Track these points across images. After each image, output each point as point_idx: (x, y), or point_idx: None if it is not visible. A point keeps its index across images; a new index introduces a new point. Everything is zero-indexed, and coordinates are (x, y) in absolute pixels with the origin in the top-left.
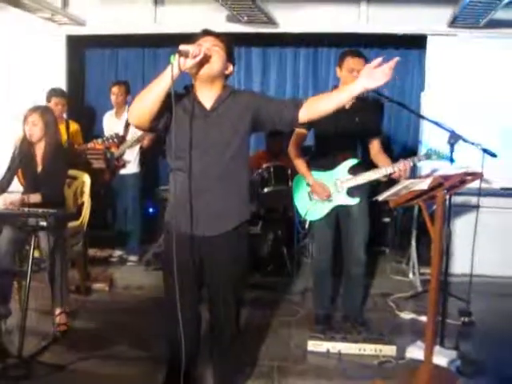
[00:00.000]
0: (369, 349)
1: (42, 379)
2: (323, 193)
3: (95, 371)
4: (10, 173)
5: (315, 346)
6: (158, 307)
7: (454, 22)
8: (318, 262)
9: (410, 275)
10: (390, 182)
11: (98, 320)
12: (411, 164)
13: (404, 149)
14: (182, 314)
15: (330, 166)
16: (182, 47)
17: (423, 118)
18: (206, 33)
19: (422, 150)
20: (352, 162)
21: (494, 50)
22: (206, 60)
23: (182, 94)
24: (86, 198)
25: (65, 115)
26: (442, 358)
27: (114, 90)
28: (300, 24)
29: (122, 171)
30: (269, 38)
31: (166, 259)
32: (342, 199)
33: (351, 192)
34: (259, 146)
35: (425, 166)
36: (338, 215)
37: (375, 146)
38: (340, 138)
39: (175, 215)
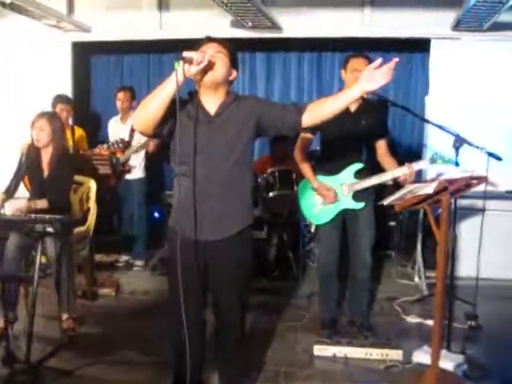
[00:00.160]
0: (375, 353)
1: None
2: (329, 197)
3: (102, 376)
4: (17, 179)
5: (321, 350)
6: (164, 312)
7: (457, 26)
8: (323, 266)
9: (416, 279)
10: (396, 185)
11: (104, 325)
12: (417, 168)
13: (409, 152)
14: (187, 318)
15: (335, 170)
16: (186, 54)
17: (428, 121)
18: (210, 39)
19: (427, 154)
20: (357, 166)
21: (498, 52)
22: (209, 67)
23: (186, 99)
24: (92, 204)
25: (70, 121)
26: (448, 362)
27: (120, 95)
28: (304, 29)
29: (128, 176)
30: (273, 43)
31: (170, 264)
32: (348, 203)
33: (357, 196)
34: (264, 150)
35: (430, 170)
36: (344, 219)
37: (381, 148)
38: (346, 142)
39: (179, 220)
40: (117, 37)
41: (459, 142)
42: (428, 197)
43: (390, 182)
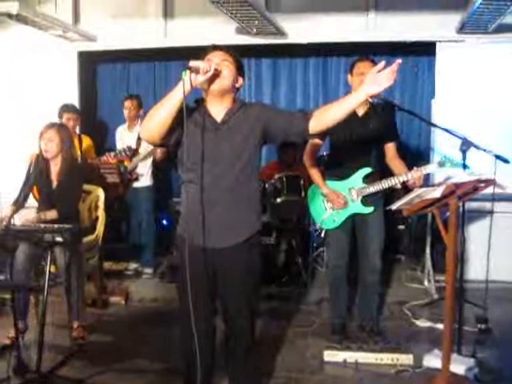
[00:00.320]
0: (386, 358)
1: None
2: (338, 202)
3: None
4: (26, 190)
5: (332, 356)
6: (173, 320)
7: (462, 28)
8: (333, 271)
9: (426, 283)
10: (405, 189)
11: (114, 333)
12: (425, 172)
13: (416, 156)
14: (197, 325)
15: (344, 175)
16: (192, 63)
17: (434, 125)
18: (215, 47)
19: (435, 158)
20: (366, 170)
21: (504, 54)
22: (216, 75)
23: (192, 107)
24: (101, 213)
25: (77, 130)
26: (459, 365)
27: (127, 104)
28: (309, 34)
29: (135, 184)
30: (278, 49)
31: (179, 271)
32: (357, 208)
33: (366, 200)
34: (271, 156)
35: (438, 174)
36: (354, 223)
37: (390, 151)
38: (354, 146)
39: (187, 227)
40: (122, 45)
41: (466, 145)
42: (436, 201)
43: (399, 186)
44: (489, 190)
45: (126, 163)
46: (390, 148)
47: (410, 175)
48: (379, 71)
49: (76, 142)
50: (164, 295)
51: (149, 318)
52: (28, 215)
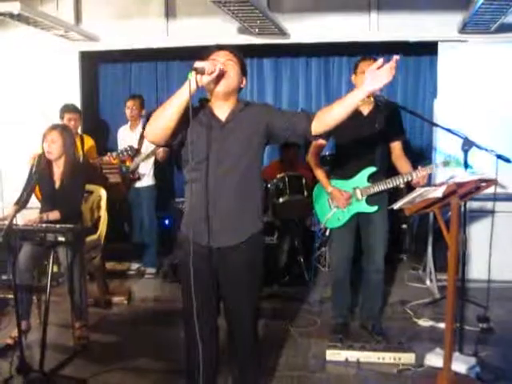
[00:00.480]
0: (388, 357)
1: None
2: (342, 200)
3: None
4: (28, 190)
5: (334, 355)
6: (176, 319)
7: (464, 28)
8: (337, 270)
9: (427, 282)
10: (409, 188)
11: (117, 333)
12: (430, 171)
13: (418, 156)
14: (200, 325)
15: (349, 174)
16: (198, 64)
17: (436, 125)
18: (219, 47)
19: (437, 157)
20: (371, 169)
21: (506, 54)
22: (221, 76)
23: (197, 107)
24: (103, 213)
25: (79, 130)
26: (461, 364)
27: (129, 104)
28: (310, 34)
29: (137, 184)
30: (280, 49)
31: (182, 271)
32: (362, 207)
33: (370, 199)
34: (273, 156)
35: (439, 174)
36: (358, 222)
37: (396, 150)
38: (360, 146)
39: (191, 227)
40: (124, 45)
41: (468, 144)
42: (437, 200)
43: (403, 185)
44: (490, 190)
45: (127, 163)
46: (396, 146)
47: (414, 174)
48: (378, 68)
49: (78, 142)
50: (166, 295)
51: (151, 317)
52: (30, 215)
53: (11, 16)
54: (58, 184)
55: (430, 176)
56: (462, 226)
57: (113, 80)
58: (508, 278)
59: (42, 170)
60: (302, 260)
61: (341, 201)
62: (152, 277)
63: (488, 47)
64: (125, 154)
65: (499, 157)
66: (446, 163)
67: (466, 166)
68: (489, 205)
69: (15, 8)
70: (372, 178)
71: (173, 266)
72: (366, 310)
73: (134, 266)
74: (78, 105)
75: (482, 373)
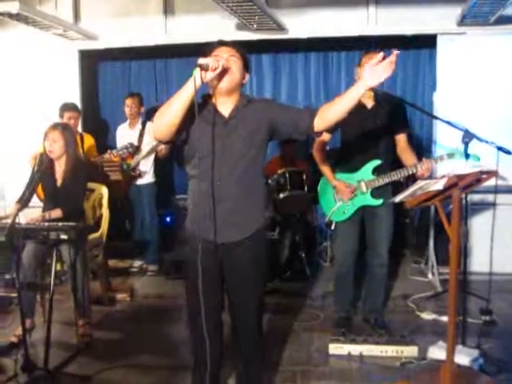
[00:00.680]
0: (390, 350)
1: None
2: (347, 193)
3: (120, 381)
4: (31, 188)
5: (337, 349)
6: (179, 316)
7: (463, 21)
8: (341, 264)
9: (430, 275)
10: (414, 180)
11: (121, 330)
12: (434, 164)
13: (418, 148)
14: (206, 320)
15: (354, 167)
16: (202, 60)
17: (436, 118)
18: (221, 43)
19: (437, 150)
20: (375, 162)
21: (505, 46)
22: (225, 72)
23: (200, 103)
24: (105, 210)
25: (79, 129)
26: (464, 357)
27: (128, 102)
28: (309, 29)
29: (138, 181)
30: (279, 44)
31: (188, 267)
32: (367, 200)
33: (375, 192)
34: (274, 152)
35: (440, 166)
36: (363, 216)
37: (401, 142)
38: (365, 139)
39: (195, 223)
40: (123, 43)
41: (468, 137)
42: (438, 193)
43: (402, 180)
44: (491, 183)
45: (128, 160)
46: (401, 139)
47: (419, 167)
48: (377, 64)
49: (78, 140)
50: (169, 292)
51: (154, 314)
52: (32, 214)
53: (10, 15)
54: (59, 182)
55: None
56: (464, 218)
57: (112, 78)
58: (510, 270)
59: (44, 168)
60: (303, 255)
61: (345, 193)
62: (154, 274)
63: (487, 39)
64: (125, 151)
65: (500, 149)
66: (451, 155)
67: (467, 157)
68: (490, 197)
69: (14, 7)
70: (377, 171)
71: (175, 262)
72: (368, 303)
73: (137, 263)
74: (78, 103)
75: (484, 365)
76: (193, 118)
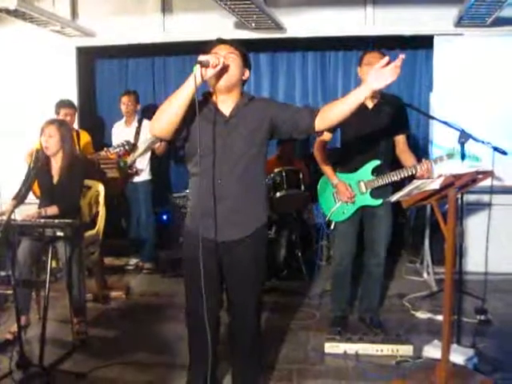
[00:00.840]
0: (386, 349)
1: None
2: (347, 193)
3: (115, 378)
4: (27, 185)
5: (332, 347)
6: (175, 314)
7: (460, 22)
8: (339, 264)
9: (425, 275)
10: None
11: (116, 327)
12: (434, 164)
13: (415, 149)
14: (203, 317)
15: (353, 167)
16: (202, 57)
17: (433, 118)
18: (220, 41)
19: (434, 151)
20: (375, 163)
21: (502, 47)
22: (224, 69)
23: (200, 101)
24: (101, 208)
25: (76, 125)
26: (459, 356)
27: (124, 99)
28: (307, 28)
29: (135, 179)
30: (277, 43)
31: (188, 265)
32: (366, 200)
33: (374, 193)
34: (271, 151)
35: (436, 167)
36: (362, 216)
37: (401, 143)
38: (365, 139)
39: (196, 220)
40: (121, 41)
41: (464, 137)
42: (435, 192)
43: (398, 180)
44: (487, 183)
45: (125, 158)
46: (401, 140)
47: (418, 167)
48: (383, 67)
49: (74, 137)
50: (165, 290)
51: (150, 312)
52: (28, 211)
53: (8, 12)
54: (56, 179)
55: None
56: (459, 218)
57: (109, 76)
58: (505, 270)
59: (40, 165)
60: (299, 254)
61: (345, 196)
62: (150, 272)
63: (484, 41)
64: (122, 148)
65: (495, 149)
66: (450, 155)
67: (463, 158)
68: (485, 198)
69: (12, 4)
70: (376, 172)
71: (171, 260)
72: (364, 303)
73: (132, 260)
74: (75, 100)
75: (479, 364)
76: (193, 115)
